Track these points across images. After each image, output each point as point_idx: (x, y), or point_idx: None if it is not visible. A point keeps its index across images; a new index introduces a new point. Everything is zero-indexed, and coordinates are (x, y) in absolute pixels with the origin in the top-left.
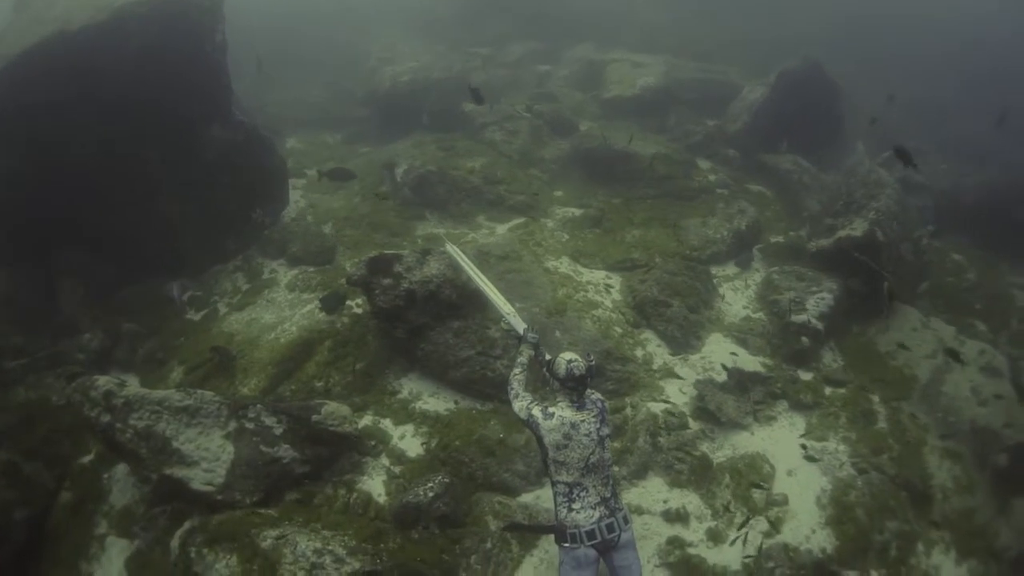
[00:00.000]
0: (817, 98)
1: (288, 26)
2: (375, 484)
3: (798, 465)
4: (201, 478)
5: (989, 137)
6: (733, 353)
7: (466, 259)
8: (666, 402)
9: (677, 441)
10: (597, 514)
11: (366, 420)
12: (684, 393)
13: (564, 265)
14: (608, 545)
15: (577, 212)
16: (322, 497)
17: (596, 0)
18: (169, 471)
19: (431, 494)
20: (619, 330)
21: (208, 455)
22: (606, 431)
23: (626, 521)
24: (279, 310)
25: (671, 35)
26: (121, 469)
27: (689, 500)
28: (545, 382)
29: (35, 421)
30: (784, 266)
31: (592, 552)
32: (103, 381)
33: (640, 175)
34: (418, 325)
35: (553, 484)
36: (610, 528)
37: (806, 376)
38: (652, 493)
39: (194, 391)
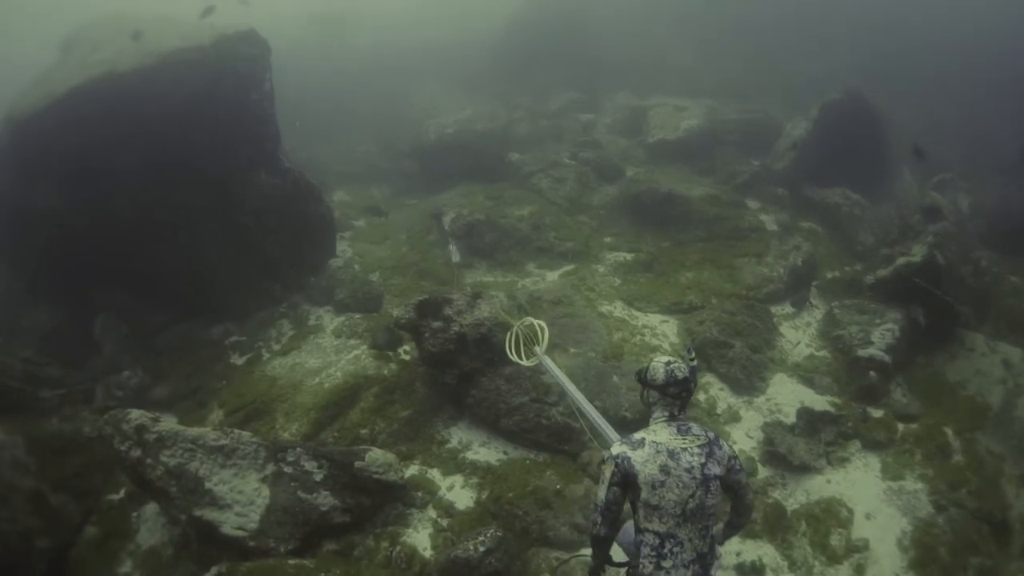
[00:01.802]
0: (861, 128)
1: (335, 83)
2: (420, 537)
3: (877, 507)
4: (233, 522)
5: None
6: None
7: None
8: (733, 447)
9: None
10: (689, 575)
11: (413, 470)
12: (751, 437)
13: (618, 309)
14: None
15: (628, 256)
16: (362, 549)
17: (629, 50)
18: (199, 513)
19: (482, 549)
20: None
21: (242, 498)
22: (715, 470)
23: None
24: (324, 355)
25: (706, 78)
26: (151, 509)
27: (764, 552)
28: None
29: (67, 453)
30: (844, 300)
31: None
32: (136, 415)
33: (689, 217)
34: (468, 370)
35: (640, 532)
36: None
37: (877, 413)
38: (724, 546)
39: (231, 431)
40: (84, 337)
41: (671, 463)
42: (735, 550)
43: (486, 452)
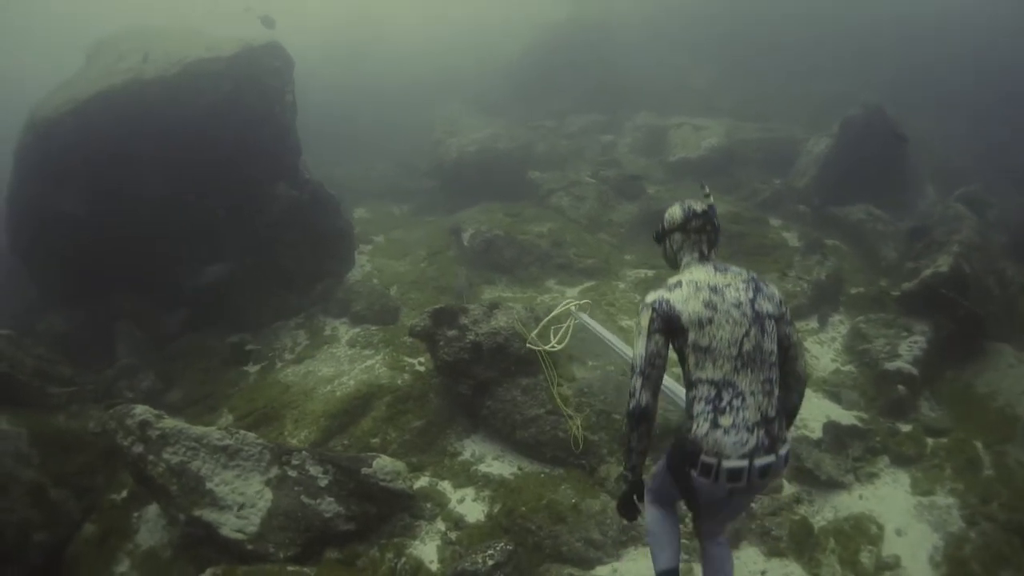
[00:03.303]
0: (882, 144)
1: (357, 102)
2: (428, 550)
3: (907, 523)
4: (233, 524)
5: None
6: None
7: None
8: None
9: (773, 505)
10: (753, 441)
11: (423, 481)
12: None
13: None
14: (744, 492)
15: (650, 273)
16: (366, 560)
17: (650, 71)
18: (199, 513)
19: (491, 562)
20: None
21: (244, 500)
22: (767, 307)
23: (786, 461)
24: (338, 364)
25: (726, 98)
26: (153, 510)
27: (790, 571)
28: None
29: (71, 449)
30: (870, 315)
31: (714, 493)
32: (140, 410)
33: None
34: (483, 380)
35: (692, 386)
36: (764, 471)
37: (905, 427)
38: (747, 564)
39: (236, 431)
40: (99, 340)
41: (716, 298)
42: (760, 569)
43: (499, 465)
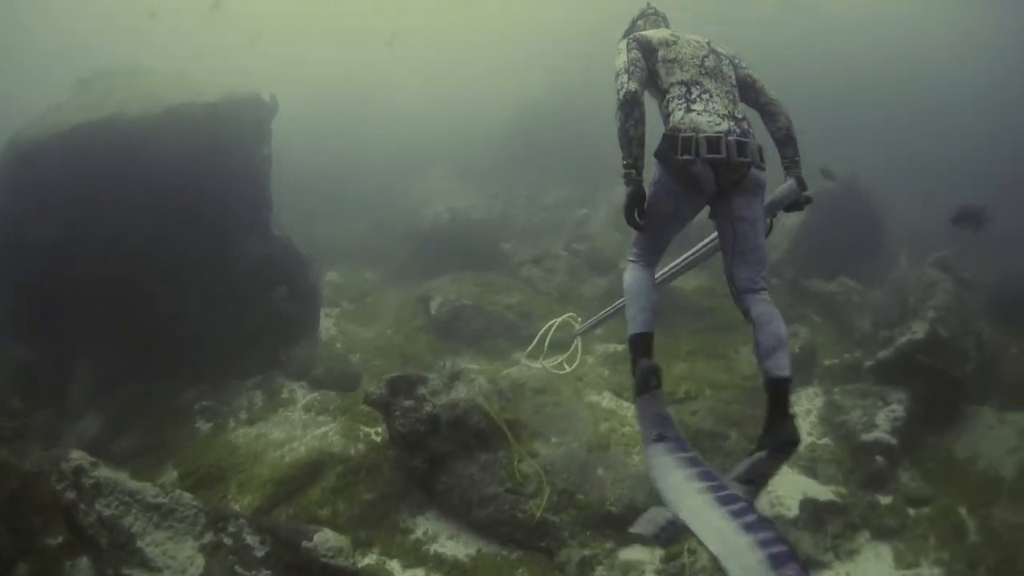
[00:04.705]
0: (855, 214)
1: (338, 161)
2: None
3: None
4: None
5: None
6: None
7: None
8: None
9: None
10: (725, 125)
11: (370, 559)
12: None
13: (606, 400)
14: (731, 178)
15: (619, 347)
16: None
17: None
18: (128, 572)
19: None
20: None
21: (174, 564)
22: (722, 48)
23: (761, 156)
24: (291, 429)
25: None
26: (85, 563)
27: None
28: None
29: (6, 483)
30: (845, 385)
31: (705, 175)
32: (76, 455)
33: (684, 310)
34: (440, 455)
35: (666, 92)
36: (741, 148)
37: (885, 499)
38: None
39: (173, 490)
40: (58, 376)
41: (678, 34)
42: None
43: (454, 546)
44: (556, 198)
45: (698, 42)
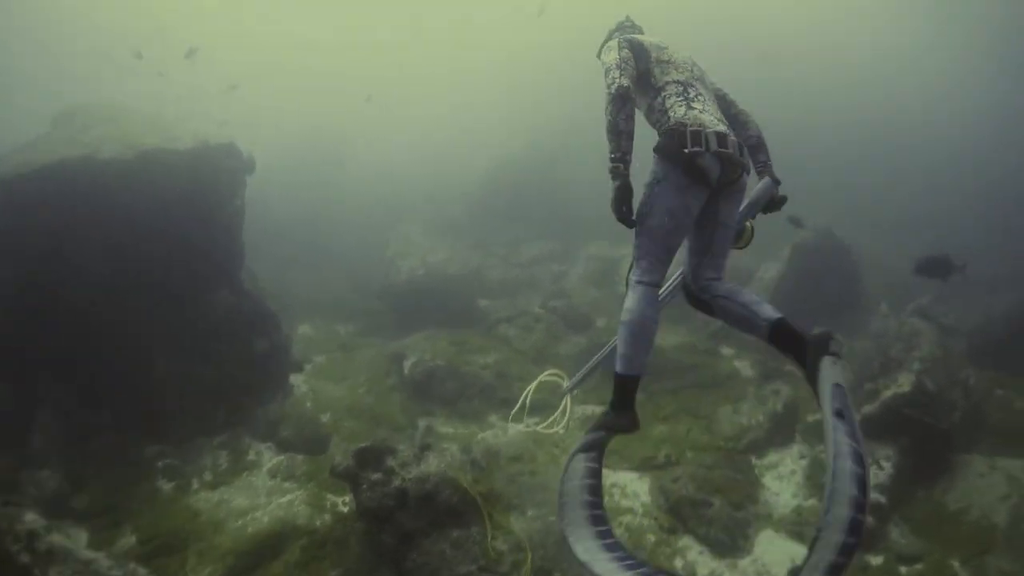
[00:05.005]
0: (833, 265)
1: (315, 211)
2: None
3: None
4: None
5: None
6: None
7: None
8: None
9: None
10: (723, 126)
11: None
12: None
13: None
14: (730, 176)
15: (597, 409)
16: None
17: (605, 201)
18: None
19: None
20: (653, 538)
21: None
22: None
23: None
24: (255, 496)
25: None
26: None
27: None
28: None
29: None
30: None
31: (712, 169)
32: (31, 518)
33: (664, 367)
34: (409, 531)
35: (662, 90)
36: (740, 150)
37: (876, 559)
38: None
39: (127, 564)
40: (18, 424)
41: (667, 43)
42: None
43: None
44: (533, 254)
45: (684, 52)
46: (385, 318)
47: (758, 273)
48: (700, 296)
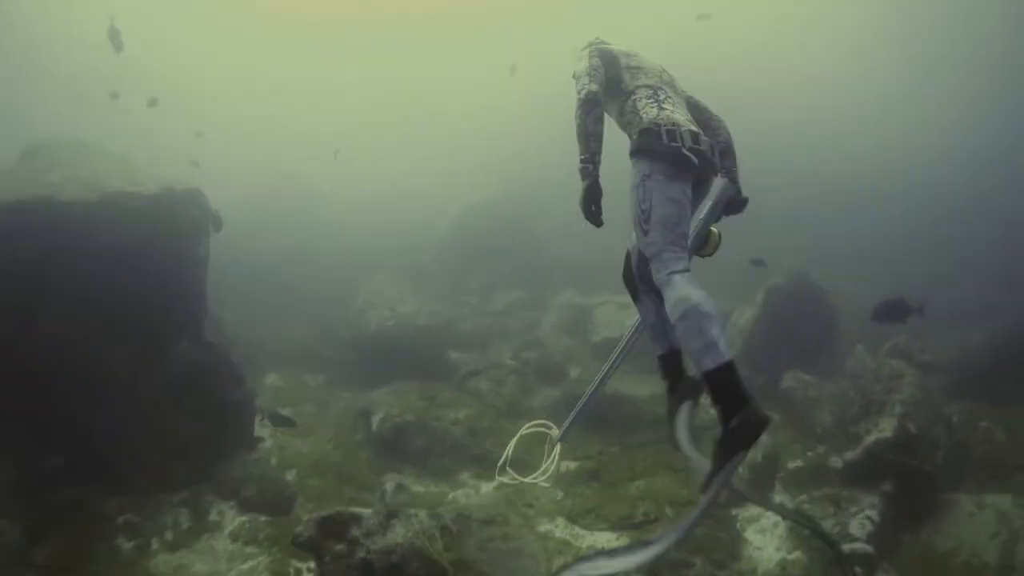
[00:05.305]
0: (808, 308)
1: (285, 258)
2: None
3: None
4: None
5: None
6: None
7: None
8: None
9: None
10: (693, 127)
11: None
12: None
13: (560, 528)
14: (702, 176)
15: (572, 465)
16: None
17: (577, 249)
18: None
19: None
20: None
21: None
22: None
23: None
24: (215, 561)
25: None
26: None
27: None
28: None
29: None
30: (813, 492)
31: (691, 162)
32: None
33: (639, 419)
34: None
35: (632, 93)
36: (712, 149)
37: None
38: None
39: None
40: None
41: (638, 52)
42: None
43: None
44: (505, 303)
45: (654, 59)
46: (354, 369)
47: (732, 318)
48: (637, 281)
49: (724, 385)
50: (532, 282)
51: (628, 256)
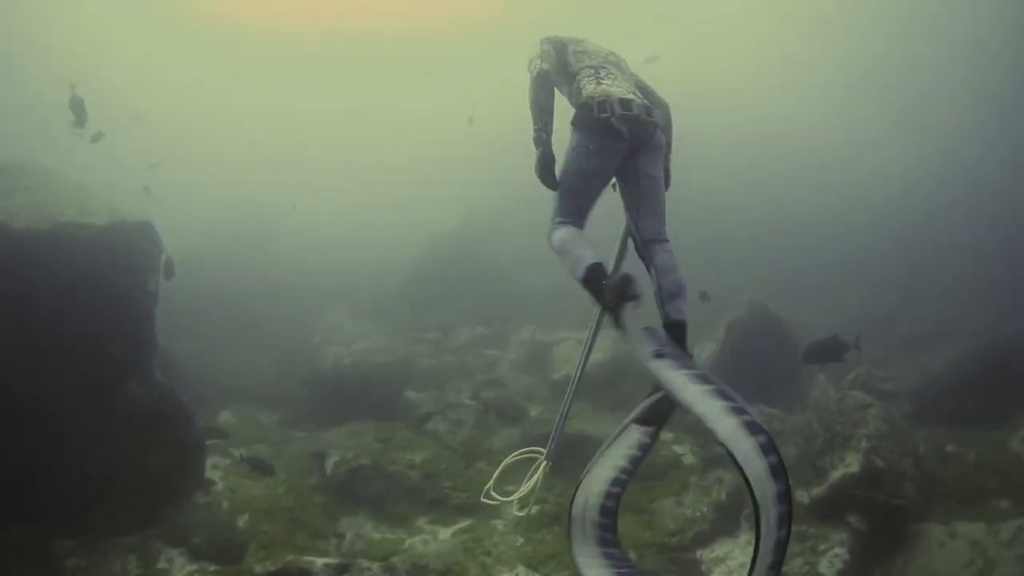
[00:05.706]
0: (769, 341)
1: (246, 288)
2: None
3: None
4: None
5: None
6: None
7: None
8: None
9: None
10: (632, 96)
11: None
12: None
13: None
14: (641, 136)
15: (533, 509)
16: None
17: (539, 283)
18: None
19: None
20: None
21: None
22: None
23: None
24: None
25: None
26: None
27: None
28: None
29: None
30: None
31: (622, 128)
32: None
33: None
34: None
35: (577, 74)
36: (648, 111)
37: None
38: None
39: None
40: None
41: (587, 39)
42: None
43: None
44: (464, 339)
45: (600, 44)
46: (310, 407)
47: (694, 352)
48: (643, 252)
49: (595, 282)
50: (495, 314)
51: (628, 229)
